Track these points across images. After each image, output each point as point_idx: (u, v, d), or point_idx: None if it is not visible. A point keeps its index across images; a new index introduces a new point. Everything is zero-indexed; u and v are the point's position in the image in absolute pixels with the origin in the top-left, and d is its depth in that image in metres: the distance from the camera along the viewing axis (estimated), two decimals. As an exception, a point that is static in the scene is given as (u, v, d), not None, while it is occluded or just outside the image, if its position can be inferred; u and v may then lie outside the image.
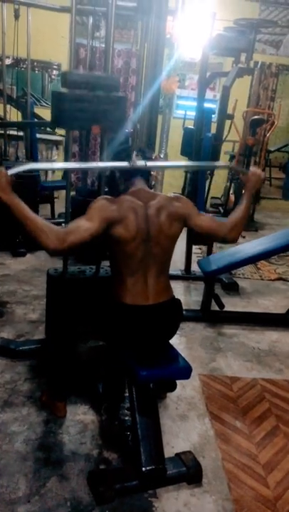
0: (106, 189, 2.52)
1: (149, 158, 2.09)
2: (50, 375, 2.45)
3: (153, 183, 2.80)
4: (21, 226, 1.73)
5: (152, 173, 2.74)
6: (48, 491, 1.88)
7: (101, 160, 2.39)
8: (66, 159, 2.47)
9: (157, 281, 1.98)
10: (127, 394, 2.26)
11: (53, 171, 6.55)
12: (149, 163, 1.99)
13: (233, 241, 2.09)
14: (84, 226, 1.80)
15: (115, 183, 2.11)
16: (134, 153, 1.99)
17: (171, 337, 2.10)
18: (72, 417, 2.31)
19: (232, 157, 6.75)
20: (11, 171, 1.73)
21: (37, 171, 4.52)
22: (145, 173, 2.07)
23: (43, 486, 1.89)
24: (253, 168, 2.15)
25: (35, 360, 2.72)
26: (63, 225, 2.69)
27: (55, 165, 2.01)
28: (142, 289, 1.96)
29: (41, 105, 7.10)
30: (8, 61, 5.67)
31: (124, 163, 1.95)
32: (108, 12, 2.55)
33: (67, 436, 2.18)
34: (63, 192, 3.07)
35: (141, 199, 1.94)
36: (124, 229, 1.87)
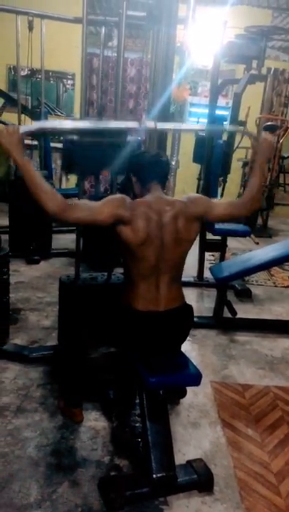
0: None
1: (167, 163, 2.11)
2: (64, 382, 2.46)
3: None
4: (27, 186, 1.76)
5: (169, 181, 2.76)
6: (59, 496, 1.89)
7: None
8: (80, 197, 2.59)
9: (170, 288, 1.99)
10: (138, 400, 2.26)
11: (67, 178, 6.63)
12: (159, 125, 1.98)
13: (255, 211, 2.11)
14: (90, 210, 1.84)
15: (131, 188, 2.12)
16: (144, 114, 2.03)
17: (181, 343, 2.10)
18: (84, 423, 2.31)
19: (245, 164, 6.74)
20: (22, 130, 1.76)
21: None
22: (162, 178, 2.07)
23: (54, 492, 1.90)
24: (264, 134, 2.16)
25: (48, 366, 2.75)
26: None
27: (63, 123, 2.06)
28: (154, 295, 1.97)
29: (56, 114, 7.20)
30: (24, 72, 5.78)
31: (133, 123, 1.95)
32: (120, 22, 2.59)
33: (79, 443, 2.19)
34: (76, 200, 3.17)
35: (156, 206, 1.95)
36: (132, 233, 1.88)
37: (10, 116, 5.12)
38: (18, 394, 2.49)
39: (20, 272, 4.19)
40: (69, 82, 7.66)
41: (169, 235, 1.93)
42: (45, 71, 4.83)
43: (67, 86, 7.69)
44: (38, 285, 3.94)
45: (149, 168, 2.01)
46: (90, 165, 2.32)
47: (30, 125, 1.86)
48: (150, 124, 1.95)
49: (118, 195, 1.95)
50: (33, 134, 5.17)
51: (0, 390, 2.51)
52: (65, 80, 7.63)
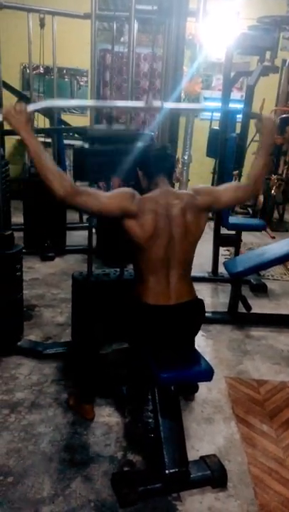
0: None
1: (173, 157, 2.10)
2: (77, 378, 2.47)
3: (177, 185, 2.80)
4: (36, 166, 1.77)
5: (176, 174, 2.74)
6: (72, 491, 1.90)
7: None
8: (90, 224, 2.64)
9: (180, 282, 1.98)
10: (150, 396, 2.25)
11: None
12: (166, 104, 1.98)
13: (259, 192, 2.14)
14: (99, 198, 1.85)
15: (138, 183, 2.12)
16: (150, 94, 2.02)
17: (193, 337, 2.08)
18: (97, 418, 2.32)
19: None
20: (30, 108, 1.76)
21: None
22: (168, 172, 2.07)
23: (67, 487, 1.91)
24: (265, 114, 2.16)
25: (62, 362, 2.76)
26: (94, 230, 2.73)
27: (71, 102, 2.08)
28: (164, 289, 1.96)
29: (70, 112, 7.21)
30: (38, 70, 5.80)
31: (139, 103, 1.95)
32: (130, 16, 2.58)
33: (92, 438, 2.20)
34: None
35: (164, 200, 1.95)
36: (140, 228, 1.89)
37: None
38: (33, 390, 2.51)
39: (35, 268, 4.22)
40: (83, 79, 7.66)
41: (178, 228, 1.92)
42: (58, 68, 4.83)
43: (81, 83, 7.69)
44: (52, 282, 3.96)
45: (155, 163, 2.02)
46: (100, 173, 2.33)
47: (37, 104, 1.85)
48: (156, 103, 1.94)
49: (128, 189, 1.95)
50: (46, 133, 5.20)
51: (14, 385, 2.53)
52: (78, 77, 7.63)
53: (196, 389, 1.99)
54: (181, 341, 2.03)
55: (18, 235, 4.25)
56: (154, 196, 1.96)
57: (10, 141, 6.42)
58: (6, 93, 4.71)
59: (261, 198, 6.38)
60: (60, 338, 3.07)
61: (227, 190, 2.08)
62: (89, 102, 2.03)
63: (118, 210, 1.86)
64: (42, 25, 4.28)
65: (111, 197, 1.87)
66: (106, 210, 1.85)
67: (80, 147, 2.45)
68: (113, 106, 1.93)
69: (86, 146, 2.38)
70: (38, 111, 5.00)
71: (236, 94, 6.65)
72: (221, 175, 4.16)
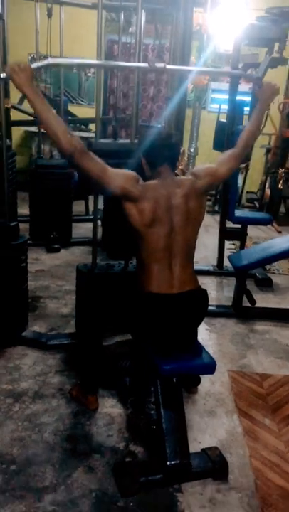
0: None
1: (177, 146, 2.11)
2: (81, 369, 2.49)
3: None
4: (42, 123, 1.78)
5: (180, 167, 2.74)
6: (74, 481, 1.91)
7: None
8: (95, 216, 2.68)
9: (182, 270, 1.99)
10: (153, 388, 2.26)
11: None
12: (168, 66, 1.99)
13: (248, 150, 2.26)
14: (104, 169, 1.87)
15: (141, 171, 2.12)
16: (154, 55, 2.04)
17: (196, 327, 2.08)
18: (100, 409, 2.33)
19: (268, 150, 6.60)
20: (33, 65, 1.78)
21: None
22: (172, 161, 2.07)
23: (69, 477, 1.93)
24: (267, 81, 2.20)
25: (66, 353, 2.77)
26: (99, 222, 2.74)
27: (74, 60, 2.07)
28: (166, 277, 1.96)
29: (77, 103, 7.19)
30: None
31: (143, 64, 1.96)
32: (137, 6, 2.55)
33: (95, 428, 2.21)
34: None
35: (166, 188, 1.96)
36: (139, 213, 1.91)
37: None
38: (36, 380, 2.53)
39: (41, 260, 4.23)
40: (91, 70, 7.61)
41: (180, 216, 1.94)
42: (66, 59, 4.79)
43: (89, 74, 7.64)
44: (57, 273, 3.97)
45: (158, 151, 2.02)
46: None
47: (39, 62, 1.86)
48: (160, 64, 1.95)
49: (133, 172, 1.96)
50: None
51: (19, 375, 2.55)
52: (86, 68, 7.59)
53: (199, 381, 2.00)
54: (184, 331, 2.03)
55: (25, 226, 4.28)
56: (156, 185, 1.97)
57: (17, 133, 6.42)
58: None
59: (268, 191, 6.35)
60: (64, 329, 3.08)
61: (222, 163, 2.13)
62: (91, 61, 2.03)
63: (119, 190, 1.88)
64: (49, 15, 4.25)
65: (117, 173, 1.90)
66: (107, 182, 1.87)
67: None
68: (118, 66, 1.96)
69: None
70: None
71: (244, 87, 6.59)
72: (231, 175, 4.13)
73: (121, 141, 4.10)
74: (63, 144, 1.76)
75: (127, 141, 2.72)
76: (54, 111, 1.80)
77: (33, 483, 1.88)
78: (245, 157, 4.46)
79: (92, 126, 5.71)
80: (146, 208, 1.90)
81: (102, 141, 2.76)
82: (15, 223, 2.76)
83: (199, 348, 2.04)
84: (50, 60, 2.32)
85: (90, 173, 1.87)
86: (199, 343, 2.08)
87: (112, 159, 2.23)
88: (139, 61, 2.60)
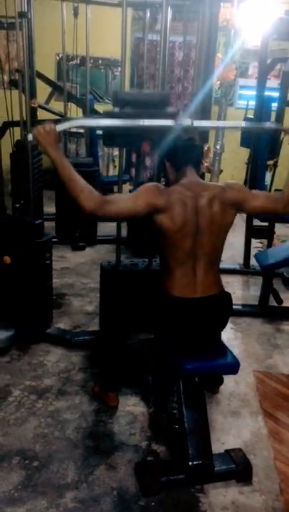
0: (163, 183, 2.52)
1: (201, 147, 2.07)
2: (103, 366, 2.49)
3: (208, 176, 2.74)
4: (64, 184, 1.78)
5: (206, 164, 2.70)
6: (96, 479, 1.91)
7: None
8: (120, 176, 2.64)
9: (206, 274, 1.95)
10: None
11: (114, 166, 6.65)
12: (196, 122, 1.95)
13: None
14: (127, 202, 1.85)
15: (165, 174, 2.10)
16: (181, 112, 1.98)
17: (219, 331, 2.05)
18: (123, 408, 2.33)
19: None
20: (59, 128, 1.78)
21: (96, 163, 4.60)
22: (196, 163, 2.03)
23: (91, 474, 1.93)
24: None
25: (90, 351, 2.78)
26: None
27: (100, 121, 2.06)
28: (190, 281, 1.93)
29: (104, 102, 7.22)
30: (75, 61, 5.82)
31: (169, 121, 1.93)
32: (162, 3, 2.53)
33: (117, 427, 2.21)
34: (123, 187, 3.16)
35: (192, 190, 1.91)
36: (170, 220, 1.85)
37: (57, 105, 5.17)
38: (60, 377, 2.54)
39: (66, 258, 4.27)
40: (119, 69, 7.62)
41: (205, 219, 1.89)
42: (94, 59, 4.83)
43: (116, 73, 7.66)
44: (82, 271, 3.99)
45: (182, 153, 1.97)
46: (130, 135, 2.29)
47: (65, 123, 1.88)
48: (186, 121, 1.92)
49: (150, 184, 1.93)
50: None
51: (43, 372, 2.57)
52: (113, 68, 7.61)
53: (221, 382, 1.97)
54: (206, 335, 2.00)
55: (51, 224, 4.32)
56: (181, 187, 1.93)
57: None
58: (40, 84, 4.76)
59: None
60: (88, 326, 3.09)
61: (260, 195, 2.01)
62: (118, 121, 2.02)
63: (147, 208, 1.83)
64: (76, 14, 4.28)
65: (137, 197, 1.85)
66: (136, 211, 1.83)
67: (109, 111, 2.42)
68: (142, 126, 1.92)
69: (116, 110, 2.34)
70: (72, 102, 5.05)
71: (274, 82, 6.47)
72: (255, 165, 4.07)
73: (146, 91, 4.03)
74: (85, 200, 1.75)
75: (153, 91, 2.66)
76: (76, 174, 1.79)
77: (55, 479, 1.89)
78: (274, 153, 4.39)
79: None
80: (177, 212, 1.85)
81: (128, 91, 2.72)
82: (40, 221, 2.78)
83: (222, 348, 2.00)
84: (76, 122, 2.34)
85: (118, 215, 1.90)
86: (223, 343, 2.04)
87: (136, 108, 2.20)
88: (164, 58, 2.58)
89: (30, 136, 1.84)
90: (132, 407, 2.34)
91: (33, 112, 3.73)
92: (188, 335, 1.95)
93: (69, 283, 3.73)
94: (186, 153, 1.97)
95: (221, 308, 2.01)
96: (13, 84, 3.95)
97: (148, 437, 2.16)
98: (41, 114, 4.49)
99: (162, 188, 1.91)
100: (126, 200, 1.87)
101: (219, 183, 2.03)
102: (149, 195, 1.85)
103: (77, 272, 3.98)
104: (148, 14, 4.24)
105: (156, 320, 2.05)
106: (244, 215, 4.24)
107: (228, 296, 2.04)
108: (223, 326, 2.05)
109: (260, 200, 1.99)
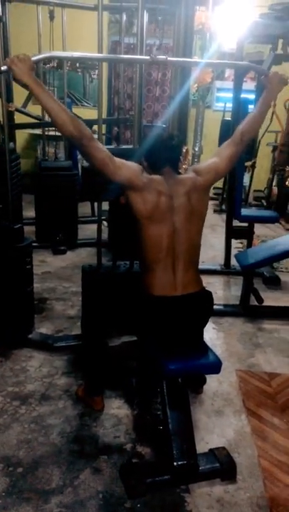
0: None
1: (179, 147, 2.09)
2: (86, 370, 2.48)
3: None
4: (47, 113, 1.75)
5: (184, 166, 2.72)
6: (81, 483, 1.90)
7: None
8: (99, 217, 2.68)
9: (186, 272, 1.96)
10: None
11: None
12: (170, 58, 1.96)
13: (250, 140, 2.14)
14: (111, 158, 1.85)
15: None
16: (155, 47, 1.99)
17: (201, 328, 2.06)
18: (107, 410, 2.32)
19: (275, 148, 6.56)
20: (33, 58, 1.74)
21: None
22: (174, 163, 2.05)
23: (76, 478, 1.92)
24: (273, 71, 2.13)
25: (72, 355, 2.77)
26: (104, 223, 2.73)
27: (75, 54, 2.03)
28: (170, 279, 1.95)
29: (82, 105, 7.21)
30: (51, 64, 5.80)
31: (145, 57, 1.94)
32: (138, 6, 2.55)
33: (102, 430, 2.20)
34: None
35: (168, 188, 1.94)
36: (142, 202, 1.89)
37: (35, 108, 5.14)
38: (43, 382, 2.52)
39: (47, 262, 4.24)
40: (95, 71, 7.62)
41: (182, 215, 1.92)
42: (71, 62, 4.80)
43: (94, 76, 7.66)
44: (64, 275, 3.97)
45: (159, 154, 1.99)
46: (107, 190, 2.33)
47: (40, 55, 1.86)
48: (161, 57, 1.92)
49: (137, 164, 1.97)
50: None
51: (25, 378, 2.55)
52: (91, 71, 7.60)
53: (204, 381, 1.98)
54: (188, 333, 2.01)
55: (31, 229, 4.30)
56: (161, 180, 1.96)
57: (21, 136, 6.44)
58: (17, 87, 4.73)
59: (275, 190, 6.31)
60: (70, 331, 3.08)
61: (222, 152, 2.09)
62: (91, 54, 2.00)
63: (124, 179, 1.87)
64: (51, 17, 4.27)
65: (123, 163, 1.89)
66: (112, 170, 1.85)
67: (88, 167, 2.44)
68: (118, 60, 1.93)
69: None
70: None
71: (250, 85, 6.55)
72: (234, 166, 4.11)
73: (124, 146, 4.08)
74: (72, 130, 1.73)
75: (130, 146, 2.71)
76: (54, 101, 1.74)
77: (40, 485, 1.88)
78: (252, 155, 4.46)
79: (96, 128, 5.70)
80: (150, 198, 1.89)
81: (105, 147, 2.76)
82: (19, 225, 2.76)
83: (205, 348, 2.02)
84: (51, 53, 2.30)
85: (98, 160, 1.84)
86: (205, 343, 2.06)
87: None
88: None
89: (4, 67, 1.77)
90: (116, 410, 2.34)
91: (10, 115, 3.70)
92: (170, 333, 1.95)
93: (50, 287, 3.71)
94: (165, 154, 1.99)
95: (202, 306, 2.02)
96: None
97: (133, 439, 2.16)
98: (19, 118, 4.46)
99: (145, 173, 1.96)
100: (111, 157, 1.86)
101: (189, 174, 2.06)
102: (132, 171, 1.89)
103: (59, 275, 3.96)
104: (124, 18, 4.25)
105: (137, 320, 2.05)
106: (224, 216, 4.28)
107: (209, 293, 2.06)
108: (205, 323, 2.06)
109: (226, 157, 2.06)
